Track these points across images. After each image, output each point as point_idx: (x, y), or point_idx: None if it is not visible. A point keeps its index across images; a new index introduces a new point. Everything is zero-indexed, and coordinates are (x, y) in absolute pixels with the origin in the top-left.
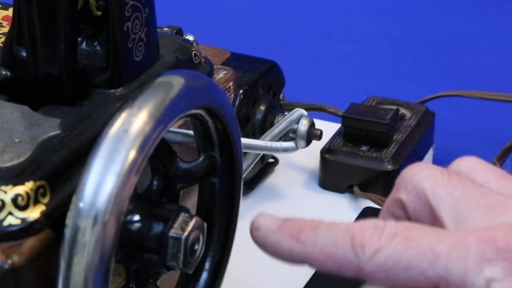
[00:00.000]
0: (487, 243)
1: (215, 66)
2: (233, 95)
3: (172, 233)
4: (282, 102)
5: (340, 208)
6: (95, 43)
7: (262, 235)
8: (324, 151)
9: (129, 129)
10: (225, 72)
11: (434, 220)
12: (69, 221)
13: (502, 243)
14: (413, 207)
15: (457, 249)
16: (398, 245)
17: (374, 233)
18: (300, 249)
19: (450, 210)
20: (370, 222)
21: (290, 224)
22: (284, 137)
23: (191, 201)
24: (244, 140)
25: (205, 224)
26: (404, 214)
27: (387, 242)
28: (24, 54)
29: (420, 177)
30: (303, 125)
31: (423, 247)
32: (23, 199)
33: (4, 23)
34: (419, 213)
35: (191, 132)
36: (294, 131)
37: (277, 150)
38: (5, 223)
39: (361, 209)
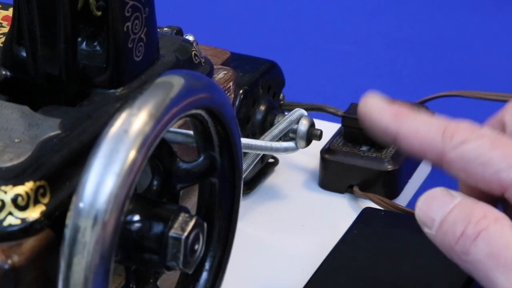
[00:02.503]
0: None
1: (215, 66)
2: (233, 95)
3: (172, 233)
4: (282, 102)
5: (340, 208)
6: (95, 43)
7: (370, 108)
8: (324, 151)
9: (129, 129)
10: (225, 72)
11: None
12: (69, 221)
13: None
14: None
15: None
16: (485, 143)
17: (467, 129)
18: (396, 126)
19: None
20: (466, 122)
21: (395, 106)
22: (284, 137)
23: (191, 201)
24: (244, 140)
25: (205, 224)
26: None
27: (476, 137)
28: (24, 54)
29: None
30: (303, 125)
31: (509, 151)
32: (23, 199)
33: (4, 23)
34: None
35: (191, 132)
36: (294, 131)
37: (277, 150)
38: (5, 223)
39: (361, 209)
